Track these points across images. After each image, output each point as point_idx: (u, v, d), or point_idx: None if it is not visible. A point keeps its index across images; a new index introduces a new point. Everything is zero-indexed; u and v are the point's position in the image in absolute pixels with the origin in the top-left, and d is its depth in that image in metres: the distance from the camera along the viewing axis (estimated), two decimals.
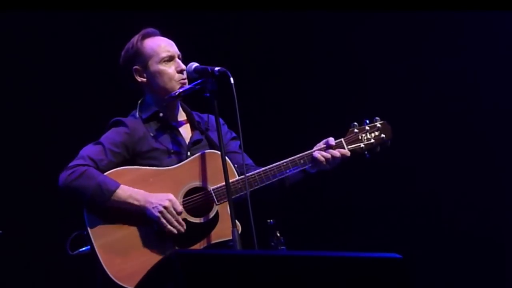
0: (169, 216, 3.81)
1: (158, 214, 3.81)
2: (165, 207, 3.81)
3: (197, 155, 3.98)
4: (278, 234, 3.87)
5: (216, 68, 3.85)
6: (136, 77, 4.09)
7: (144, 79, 4.09)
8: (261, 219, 3.74)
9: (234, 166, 3.97)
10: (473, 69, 5.84)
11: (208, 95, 3.88)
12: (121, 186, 3.84)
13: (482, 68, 5.82)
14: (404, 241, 5.61)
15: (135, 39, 4.12)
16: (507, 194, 5.78)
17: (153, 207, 3.82)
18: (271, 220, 3.89)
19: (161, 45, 4.09)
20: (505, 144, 5.79)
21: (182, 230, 3.83)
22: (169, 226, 3.81)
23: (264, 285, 2.98)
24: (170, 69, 4.06)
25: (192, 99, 4.15)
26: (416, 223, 5.83)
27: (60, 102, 5.51)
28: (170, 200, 3.82)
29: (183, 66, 4.06)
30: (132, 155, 3.97)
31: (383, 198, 5.83)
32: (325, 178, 4.08)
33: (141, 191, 3.86)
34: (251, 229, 3.62)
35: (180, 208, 3.84)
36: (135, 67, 4.09)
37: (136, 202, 3.83)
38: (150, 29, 4.14)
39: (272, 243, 3.87)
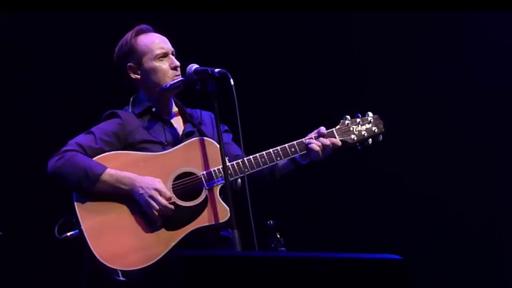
0: (158, 201, 3.81)
1: (147, 198, 3.82)
2: (152, 194, 3.82)
3: (188, 141, 4.01)
4: (278, 236, 3.88)
5: (216, 70, 3.87)
6: (130, 74, 4.11)
7: (138, 76, 4.11)
8: (261, 220, 3.74)
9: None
10: (473, 69, 5.84)
11: (198, 88, 3.91)
12: (108, 169, 3.85)
13: (483, 69, 5.82)
14: (404, 242, 5.61)
15: (128, 35, 4.14)
16: (507, 194, 5.77)
17: (141, 193, 3.82)
18: (271, 222, 3.89)
19: (155, 42, 4.11)
20: (505, 145, 5.79)
21: (170, 214, 3.84)
22: (156, 213, 3.82)
23: (264, 286, 2.98)
24: (164, 65, 4.08)
25: (189, 97, 4.16)
26: (416, 224, 5.83)
27: (57, 101, 5.51)
28: (157, 189, 3.82)
29: (177, 63, 4.09)
30: (124, 146, 3.99)
31: (383, 199, 5.83)
32: (326, 179, 4.08)
33: (128, 173, 3.87)
34: (251, 230, 3.63)
35: (168, 194, 3.85)
36: (129, 64, 4.11)
37: (123, 186, 3.85)
38: (143, 26, 4.16)
39: (272, 245, 3.87)
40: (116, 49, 4.16)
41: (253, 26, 5.92)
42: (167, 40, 4.15)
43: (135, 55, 4.09)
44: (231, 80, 3.80)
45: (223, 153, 3.82)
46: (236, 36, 5.92)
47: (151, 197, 3.81)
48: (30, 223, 5.35)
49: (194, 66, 3.97)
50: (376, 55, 5.86)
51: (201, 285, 2.90)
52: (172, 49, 4.13)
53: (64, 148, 3.92)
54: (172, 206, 3.84)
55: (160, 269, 3.83)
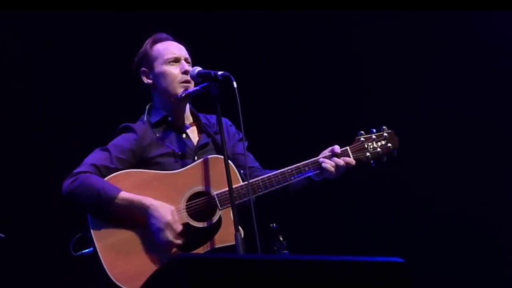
0: (166, 236, 3.81)
1: (157, 230, 3.81)
2: (163, 227, 3.81)
3: (201, 160, 3.98)
4: (281, 238, 3.88)
5: (219, 73, 3.85)
6: (143, 79, 4.14)
7: (150, 81, 4.13)
8: (264, 223, 3.74)
9: (239, 171, 3.96)
10: (478, 70, 5.83)
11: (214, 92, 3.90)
12: (121, 193, 3.84)
13: (485, 69, 5.81)
14: (407, 245, 5.61)
15: (145, 43, 4.18)
16: (509, 197, 5.77)
17: (153, 223, 3.82)
18: (274, 225, 3.89)
19: (168, 48, 4.13)
20: (507, 147, 5.78)
21: (180, 243, 3.84)
22: (163, 244, 3.83)
23: None
24: (174, 70, 4.08)
25: (199, 101, 4.16)
26: (419, 228, 5.82)
27: (66, 105, 5.52)
28: (168, 223, 3.81)
29: (187, 68, 4.07)
30: (139, 161, 3.99)
31: (386, 202, 5.82)
32: (329, 182, 4.07)
33: (142, 198, 3.86)
34: (254, 234, 3.62)
35: (179, 228, 3.83)
36: (142, 68, 4.14)
37: (137, 211, 3.84)
38: (162, 34, 4.19)
39: (275, 247, 3.87)
40: (135, 57, 4.20)
41: (258, 28, 5.92)
42: (182, 48, 4.16)
43: (148, 60, 4.12)
44: (234, 83, 3.78)
45: (228, 165, 3.79)
46: (240, 37, 5.91)
47: (161, 229, 3.81)
48: (34, 226, 5.36)
49: (197, 69, 3.97)
50: (388, 62, 5.83)
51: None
52: (186, 56, 4.13)
53: (78, 170, 3.92)
54: (179, 242, 3.82)
55: (162, 273, 3.83)
